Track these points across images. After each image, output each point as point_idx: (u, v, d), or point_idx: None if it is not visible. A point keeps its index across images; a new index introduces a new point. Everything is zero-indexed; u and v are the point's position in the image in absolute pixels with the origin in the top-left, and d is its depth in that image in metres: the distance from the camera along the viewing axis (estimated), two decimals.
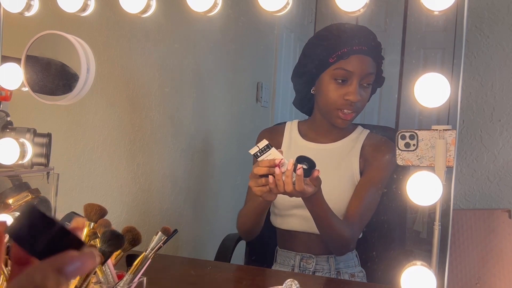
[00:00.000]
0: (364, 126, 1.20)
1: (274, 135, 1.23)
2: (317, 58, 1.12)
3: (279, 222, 1.19)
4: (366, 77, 1.09)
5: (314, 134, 1.19)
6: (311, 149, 1.18)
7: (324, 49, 1.11)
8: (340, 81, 1.09)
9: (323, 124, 1.17)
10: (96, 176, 1.26)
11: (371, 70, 1.09)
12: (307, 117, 1.23)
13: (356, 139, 1.17)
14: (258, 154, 0.93)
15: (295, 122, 1.24)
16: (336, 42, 1.10)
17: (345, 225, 1.09)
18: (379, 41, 1.10)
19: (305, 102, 1.20)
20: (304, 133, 1.21)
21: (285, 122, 1.25)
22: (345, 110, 1.10)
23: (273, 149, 0.92)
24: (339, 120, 1.12)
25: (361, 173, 1.14)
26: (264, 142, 0.92)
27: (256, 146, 0.93)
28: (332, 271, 1.14)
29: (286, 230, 1.18)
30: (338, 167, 1.16)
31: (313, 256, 1.14)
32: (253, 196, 1.02)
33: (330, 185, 1.11)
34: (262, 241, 1.22)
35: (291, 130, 1.23)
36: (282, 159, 0.92)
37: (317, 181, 0.95)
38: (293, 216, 1.14)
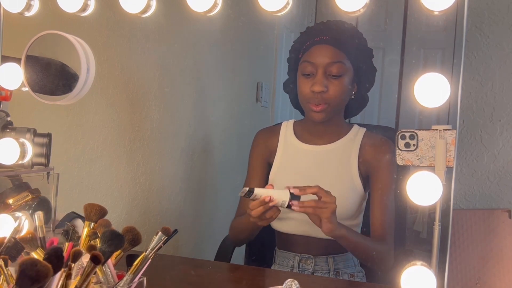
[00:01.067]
0: (364, 126, 1.20)
1: (270, 137, 1.22)
2: (293, 56, 1.14)
3: (278, 225, 1.18)
4: (331, 67, 1.08)
5: (309, 135, 1.18)
6: (307, 151, 1.17)
7: (297, 47, 1.14)
8: (307, 74, 1.09)
9: (314, 125, 1.16)
10: (96, 176, 1.26)
11: (335, 59, 1.08)
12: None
13: (353, 139, 1.16)
14: (247, 196, 0.95)
15: (291, 122, 1.23)
16: (304, 38, 1.12)
17: (378, 244, 1.09)
18: (361, 32, 1.11)
19: (296, 102, 1.19)
20: (300, 134, 1.20)
21: (281, 123, 1.24)
22: (314, 103, 1.09)
23: (256, 190, 0.94)
24: (312, 113, 1.11)
25: (361, 174, 1.13)
26: (245, 190, 0.94)
27: (242, 191, 0.95)
28: (331, 271, 1.14)
29: (285, 233, 1.17)
30: (336, 169, 1.15)
31: (312, 257, 1.14)
32: (247, 214, 1.02)
33: (329, 188, 1.10)
34: (262, 242, 1.22)
35: (286, 132, 1.21)
36: (270, 196, 0.94)
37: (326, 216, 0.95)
38: (292, 220, 1.14)
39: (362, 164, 1.13)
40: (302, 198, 0.96)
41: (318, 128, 1.16)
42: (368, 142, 1.14)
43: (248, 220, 1.05)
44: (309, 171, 1.15)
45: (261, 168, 1.16)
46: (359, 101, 1.15)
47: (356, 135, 1.16)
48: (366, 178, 1.13)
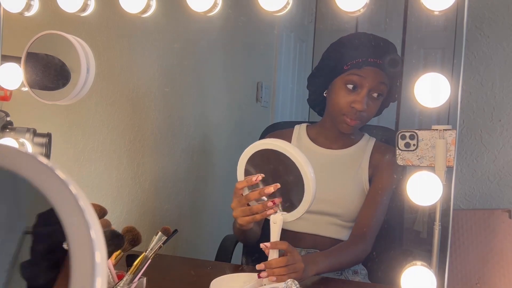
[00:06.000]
0: (365, 126, 1.20)
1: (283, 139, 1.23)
2: (334, 63, 1.14)
3: (287, 225, 1.18)
4: (377, 88, 1.10)
5: (324, 139, 1.20)
6: (323, 155, 1.19)
7: (341, 55, 1.13)
8: (351, 88, 1.10)
9: (332, 129, 1.18)
10: (96, 176, 1.26)
11: (382, 81, 1.11)
12: (312, 121, 1.24)
13: (364, 147, 1.19)
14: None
15: (304, 126, 1.24)
16: (354, 51, 1.12)
17: (352, 245, 1.11)
18: (399, 54, 1.12)
19: (317, 103, 1.21)
20: (314, 138, 1.21)
21: (293, 127, 1.25)
22: (349, 118, 1.11)
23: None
24: (344, 125, 1.13)
25: (369, 180, 1.16)
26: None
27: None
28: None
29: (292, 231, 1.17)
30: (348, 174, 1.18)
31: (318, 251, 1.14)
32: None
33: (340, 191, 1.12)
34: (262, 241, 1.21)
35: (299, 135, 1.23)
36: (259, 175, 0.92)
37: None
38: (303, 220, 1.13)
39: (371, 173, 1.16)
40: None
41: (335, 134, 1.19)
42: (378, 152, 1.18)
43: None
44: (321, 173, 1.16)
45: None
46: (376, 114, 1.18)
47: (367, 144, 1.19)
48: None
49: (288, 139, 1.22)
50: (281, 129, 1.29)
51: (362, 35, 1.15)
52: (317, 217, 1.14)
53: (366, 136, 1.21)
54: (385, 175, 1.15)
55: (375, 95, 1.11)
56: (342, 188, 1.16)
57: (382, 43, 1.13)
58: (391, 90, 1.14)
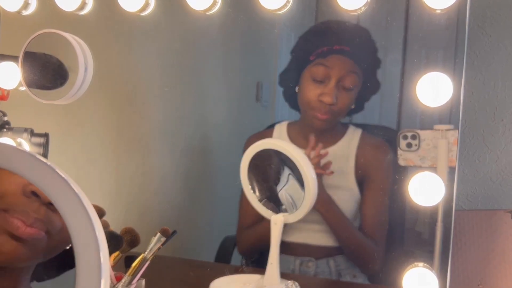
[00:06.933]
0: (365, 126, 1.18)
1: None
2: (300, 55, 1.10)
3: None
4: (346, 79, 1.05)
5: (303, 139, 1.13)
6: None
7: (307, 45, 1.09)
8: (318, 80, 1.06)
9: (310, 127, 1.13)
10: (94, 176, 1.25)
11: (352, 70, 1.05)
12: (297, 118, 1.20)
13: (349, 142, 1.12)
14: None
15: (284, 125, 1.19)
16: (320, 39, 1.07)
17: (368, 240, 1.07)
18: (375, 40, 1.07)
19: (292, 100, 1.16)
20: (294, 138, 1.15)
21: (274, 125, 1.21)
22: (319, 112, 1.06)
23: None
24: (315, 121, 1.08)
25: (357, 178, 1.10)
26: None
27: None
28: (333, 273, 1.12)
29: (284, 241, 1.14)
30: (333, 176, 1.11)
31: (314, 259, 1.12)
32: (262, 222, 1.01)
33: None
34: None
35: (280, 136, 1.17)
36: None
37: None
38: (291, 228, 1.09)
39: (358, 168, 1.10)
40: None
41: (314, 132, 1.12)
42: (364, 145, 1.11)
43: (261, 229, 1.05)
44: None
45: None
46: (356, 109, 1.13)
47: (352, 138, 1.12)
48: (362, 182, 1.11)
49: None
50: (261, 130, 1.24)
51: (330, 22, 1.09)
52: (306, 225, 1.09)
53: (351, 128, 1.13)
54: (380, 173, 1.09)
55: (345, 86, 1.05)
56: (327, 189, 1.09)
57: (351, 29, 1.07)
58: (367, 80, 1.08)
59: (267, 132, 1.21)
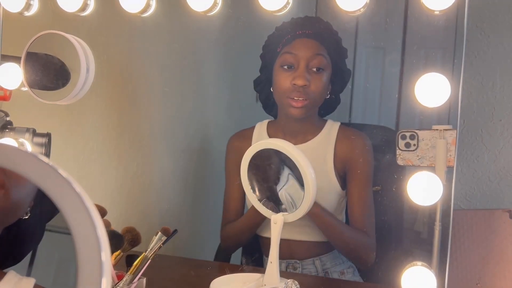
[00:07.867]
0: (365, 126, 1.19)
1: (243, 141, 1.18)
2: (269, 53, 1.12)
3: (259, 229, 1.16)
4: (314, 60, 1.06)
5: (282, 135, 1.14)
6: None
7: (273, 42, 1.11)
8: (287, 67, 1.07)
9: (288, 123, 1.13)
10: (96, 176, 1.25)
11: (318, 52, 1.07)
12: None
13: (327, 136, 1.12)
14: None
15: (265, 123, 1.19)
16: (282, 32, 1.10)
17: (358, 233, 1.08)
18: (337, 31, 1.09)
19: (270, 105, 1.17)
20: (273, 135, 1.16)
21: (255, 125, 1.21)
22: (295, 97, 1.06)
23: None
24: (291, 109, 1.08)
25: (338, 172, 1.10)
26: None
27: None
28: (319, 272, 1.11)
29: (266, 238, 1.13)
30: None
31: (298, 261, 1.12)
32: (252, 212, 1.01)
33: None
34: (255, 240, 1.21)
35: (260, 134, 1.18)
36: None
37: None
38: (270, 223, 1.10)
39: (338, 162, 1.10)
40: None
41: (292, 127, 1.13)
42: (343, 138, 1.11)
43: (249, 219, 1.05)
44: None
45: (238, 175, 1.10)
46: (332, 101, 1.13)
47: (329, 132, 1.12)
48: (343, 176, 1.11)
49: (249, 139, 1.18)
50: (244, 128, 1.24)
51: (290, 19, 1.10)
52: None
53: (329, 123, 1.13)
54: (361, 163, 1.09)
55: (314, 69, 1.06)
56: None
57: (314, 19, 1.11)
58: (337, 68, 1.09)
59: (248, 131, 1.21)
